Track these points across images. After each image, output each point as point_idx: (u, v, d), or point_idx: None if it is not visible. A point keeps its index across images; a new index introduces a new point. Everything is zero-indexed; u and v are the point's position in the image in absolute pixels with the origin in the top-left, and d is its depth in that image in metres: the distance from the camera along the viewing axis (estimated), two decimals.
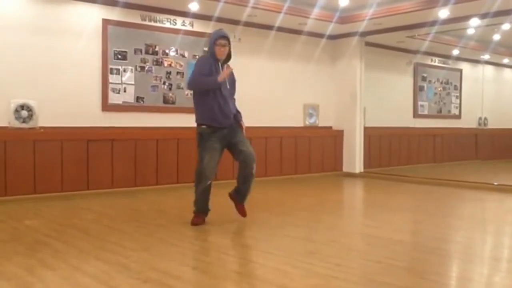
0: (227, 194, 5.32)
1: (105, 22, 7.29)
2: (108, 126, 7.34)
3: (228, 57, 5.14)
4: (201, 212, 5.12)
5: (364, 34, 9.48)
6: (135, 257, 3.87)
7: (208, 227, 5.00)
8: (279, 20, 8.36)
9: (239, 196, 5.22)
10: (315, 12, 8.34)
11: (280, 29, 8.80)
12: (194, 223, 5.03)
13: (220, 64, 5.08)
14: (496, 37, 10.36)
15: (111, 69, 7.38)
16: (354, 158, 9.80)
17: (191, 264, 3.69)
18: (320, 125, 9.86)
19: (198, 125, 5.12)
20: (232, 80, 5.21)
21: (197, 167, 5.06)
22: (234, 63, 8.53)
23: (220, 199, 7.02)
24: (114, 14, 7.37)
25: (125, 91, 7.51)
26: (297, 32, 9.08)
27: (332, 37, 9.75)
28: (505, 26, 9.04)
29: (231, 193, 5.29)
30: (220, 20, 8.20)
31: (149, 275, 3.43)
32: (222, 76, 4.92)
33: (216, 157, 5.00)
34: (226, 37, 5.01)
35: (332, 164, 9.85)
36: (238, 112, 5.30)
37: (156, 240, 4.47)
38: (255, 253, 4.26)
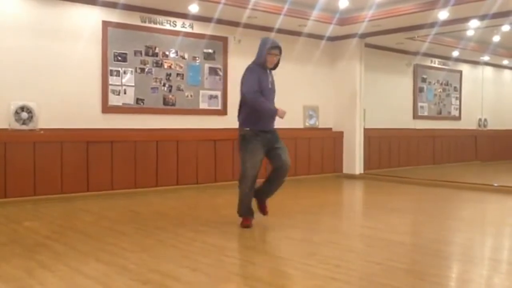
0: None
1: (105, 24, 7.30)
2: (108, 128, 7.34)
3: (276, 65, 5.21)
4: (248, 215, 5.10)
5: (363, 35, 9.49)
6: (135, 259, 3.87)
7: (208, 228, 5.00)
8: (278, 21, 8.37)
9: (264, 195, 5.21)
10: (315, 13, 8.34)
11: (280, 30, 8.80)
12: (244, 225, 5.03)
13: (268, 71, 5.15)
14: (496, 38, 10.37)
15: (111, 71, 7.38)
16: (354, 159, 9.80)
17: (190, 266, 3.69)
18: (320, 126, 9.86)
19: (241, 127, 5.10)
20: (273, 84, 5.23)
21: (240, 171, 5.04)
22: (234, 65, 8.58)
23: (219, 200, 7.03)
24: (114, 16, 7.37)
25: (125, 93, 7.52)
26: (297, 33, 9.09)
27: (332, 39, 9.76)
28: (505, 28, 9.04)
29: (255, 191, 5.18)
30: (220, 21, 8.21)
31: (148, 277, 3.43)
32: (281, 113, 4.98)
33: (258, 159, 5.00)
34: (279, 47, 5.11)
35: (332, 165, 9.85)
36: None
37: (155, 242, 4.47)
38: (255, 255, 4.26)
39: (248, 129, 5.02)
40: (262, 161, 5.05)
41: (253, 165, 4.96)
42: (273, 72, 5.24)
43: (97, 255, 3.99)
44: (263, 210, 5.24)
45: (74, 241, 4.46)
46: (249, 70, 5.12)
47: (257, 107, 4.97)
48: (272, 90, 5.17)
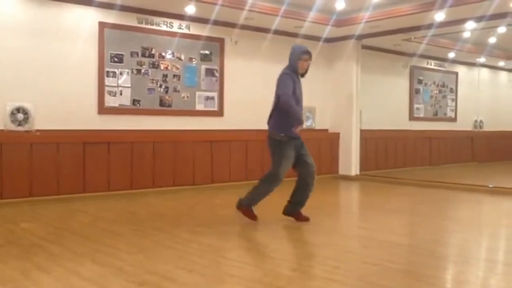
0: (283, 214, 5.43)
1: (102, 25, 7.29)
2: (104, 129, 7.32)
3: (306, 71, 5.37)
4: (251, 206, 5.30)
5: (360, 37, 9.50)
6: (131, 260, 3.87)
7: (204, 229, 5.00)
8: (275, 23, 8.36)
9: (299, 206, 5.39)
10: (312, 15, 8.35)
11: (277, 32, 8.81)
12: (254, 217, 5.27)
13: (299, 77, 5.31)
14: (492, 40, 10.40)
15: (108, 72, 7.37)
16: (350, 160, 9.81)
17: (187, 267, 3.69)
18: (316, 127, 9.87)
19: (275, 132, 5.25)
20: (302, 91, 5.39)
21: (273, 169, 5.24)
22: (230, 66, 8.58)
23: (216, 201, 7.03)
24: (111, 17, 7.36)
25: (121, 94, 7.51)
26: (294, 35, 9.08)
27: (329, 40, 9.77)
28: (501, 29, 9.06)
29: (288, 210, 5.41)
30: (216, 23, 8.20)
31: (144, 278, 3.42)
32: (300, 126, 5.15)
33: (291, 164, 5.27)
34: (310, 53, 5.30)
35: (328, 166, 9.85)
36: None
37: (152, 243, 4.46)
38: (252, 256, 4.26)
39: (283, 134, 5.20)
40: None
41: (286, 170, 5.23)
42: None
43: (93, 256, 3.98)
44: (304, 218, 5.38)
45: (71, 242, 4.45)
46: (285, 74, 5.25)
47: (288, 111, 5.12)
48: (302, 95, 5.35)
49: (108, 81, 7.38)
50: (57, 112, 6.93)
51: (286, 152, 5.19)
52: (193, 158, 8.08)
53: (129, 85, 7.58)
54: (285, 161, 5.19)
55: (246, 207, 5.29)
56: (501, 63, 13.02)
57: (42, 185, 6.70)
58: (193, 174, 8.08)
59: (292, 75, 5.22)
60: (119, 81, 7.48)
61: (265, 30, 8.77)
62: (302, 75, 5.36)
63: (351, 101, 9.73)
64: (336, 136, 9.95)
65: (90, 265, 3.74)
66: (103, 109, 7.34)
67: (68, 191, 6.89)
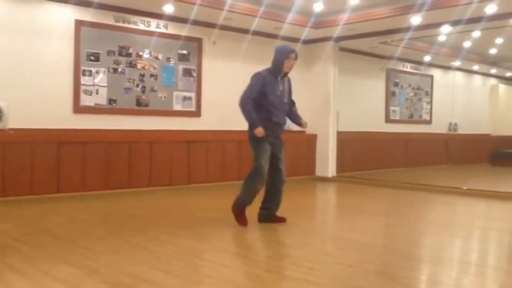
0: (258, 222, 5.38)
1: (78, 23, 7.20)
2: (80, 129, 7.24)
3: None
4: (245, 207, 5.26)
5: (338, 39, 9.57)
6: (106, 261, 3.83)
7: (181, 230, 4.97)
8: (254, 24, 8.38)
9: (272, 212, 5.38)
10: (290, 16, 8.38)
11: (256, 33, 8.82)
12: (244, 222, 5.19)
13: (280, 78, 5.27)
14: (467, 44, 10.56)
15: (83, 70, 7.29)
16: (327, 162, 9.87)
17: (163, 268, 3.66)
18: (293, 129, 9.87)
19: (253, 129, 5.22)
20: (288, 92, 5.40)
21: (255, 163, 5.22)
22: (208, 67, 8.56)
23: (193, 202, 7.00)
24: (87, 15, 7.28)
25: (97, 93, 7.43)
26: (273, 36, 9.10)
27: (307, 42, 9.81)
28: (476, 34, 9.21)
29: (263, 216, 5.39)
30: (195, 23, 8.18)
31: (119, 279, 3.39)
32: (258, 132, 5.11)
33: (268, 156, 5.24)
34: (297, 53, 5.33)
35: (305, 168, 9.89)
36: (297, 111, 5.58)
37: (127, 244, 4.42)
38: (228, 257, 4.25)
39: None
40: None
41: (266, 161, 5.19)
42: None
43: (67, 257, 3.93)
44: (280, 219, 5.38)
45: (45, 244, 4.39)
46: (255, 76, 5.27)
47: (243, 113, 5.17)
48: (284, 98, 5.31)
49: (84, 80, 7.30)
50: (32, 111, 6.83)
51: (263, 145, 5.18)
52: (170, 158, 8.03)
53: (106, 84, 7.50)
54: (263, 153, 5.18)
55: (238, 211, 5.24)
56: (476, 67, 13.24)
57: (16, 185, 6.60)
58: (170, 175, 8.04)
59: (267, 77, 5.20)
60: (95, 80, 7.41)
61: (244, 31, 8.78)
62: (285, 75, 5.33)
63: (328, 103, 9.79)
64: (313, 137, 10.00)
65: (64, 267, 3.69)
66: (78, 108, 7.26)
67: (42, 191, 6.79)
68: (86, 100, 7.33)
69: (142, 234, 4.78)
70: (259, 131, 5.10)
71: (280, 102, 5.27)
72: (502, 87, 14.59)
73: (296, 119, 5.54)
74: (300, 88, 9.88)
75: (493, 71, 13.82)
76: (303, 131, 9.97)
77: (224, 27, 8.53)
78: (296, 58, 5.30)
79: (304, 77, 9.93)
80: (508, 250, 4.67)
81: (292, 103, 5.52)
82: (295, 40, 9.53)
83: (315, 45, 9.87)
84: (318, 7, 8.01)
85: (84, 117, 7.31)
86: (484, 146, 13.73)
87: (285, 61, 5.22)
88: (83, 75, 7.29)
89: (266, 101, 5.18)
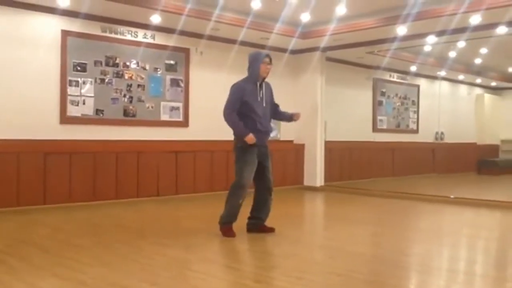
0: (247, 232, 5.38)
1: (65, 33, 7.17)
2: (66, 139, 7.19)
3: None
4: (232, 222, 5.20)
5: (325, 49, 9.63)
6: (93, 273, 3.79)
7: (169, 241, 4.94)
8: (242, 34, 8.40)
9: (261, 221, 5.37)
10: (278, 27, 8.42)
11: (243, 43, 8.84)
12: (232, 235, 5.12)
13: (259, 85, 5.25)
14: (452, 54, 10.68)
15: (70, 81, 7.25)
16: (315, 171, 9.88)
17: (151, 280, 3.63)
18: (281, 139, 9.91)
19: (239, 140, 5.23)
20: (268, 97, 5.36)
21: (236, 178, 5.21)
22: (196, 77, 8.55)
23: (181, 213, 6.96)
24: (74, 25, 7.25)
25: (84, 103, 7.39)
26: (260, 46, 9.12)
27: (294, 52, 9.86)
28: (461, 44, 9.31)
29: (251, 226, 5.39)
30: (182, 33, 8.18)
31: None
32: (249, 139, 5.09)
33: (254, 170, 5.21)
34: (270, 57, 5.30)
35: (293, 177, 9.90)
36: (284, 112, 5.57)
37: (115, 256, 4.38)
38: (216, 268, 4.23)
39: (245, 141, 5.15)
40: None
41: (250, 175, 5.16)
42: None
43: (54, 269, 3.88)
44: (268, 229, 5.36)
45: (31, 256, 4.33)
46: (233, 87, 5.27)
47: (230, 125, 5.20)
48: (265, 103, 5.28)
49: (71, 90, 7.26)
50: (18, 121, 6.77)
51: (247, 157, 5.15)
52: (157, 169, 8.00)
53: (92, 95, 7.47)
54: (247, 167, 5.15)
55: (226, 229, 5.18)
56: (461, 77, 13.38)
57: (1, 196, 6.53)
58: (158, 185, 8.00)
59: (242, 86, 5.21)
60: (82, 90, 7.37)
61: (231, 41, 8.79)
62: (263, 80, 5.30)
63: (316, 113, 9.82)
64: (301, 147, 10.02)
65: (51, 279, 3.65)
66: (65, 119, 7.21)
67: (28, 203, 6.73)
68: (73, 111, 7.28)
69: (130, 245, 4.74)
70: (250, 138, 5.08)
71: (262, 108, 5.26)
72: (487, 97, 14.75)
73: (286, 115, 5.54)
74: (287, 98, 9.94)
75: (478, 80, 13.96)
76: (291, 141, 10.01)
77: (211, 37, 8.54)
78: (270, 62, 5.28)
79: (291, 87, 9.97)
80: (496, 258, 4.70)
81: (276, 105, 5.52)
82: (283, 50, 9.57)
83: (302, 55, 9.91)
84: (305, 18, 8.05)
85: (71, 128, 7.26)
86: (470, 155, 13.84)
87: (261, 66, 5.21)
88: (70, 85, 7.25)
89: (248, 110, 5.17)
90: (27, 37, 6.89)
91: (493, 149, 14.53)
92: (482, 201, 7.89)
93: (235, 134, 5.26)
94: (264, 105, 5.27)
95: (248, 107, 5.17)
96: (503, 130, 14.46)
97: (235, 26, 8.03)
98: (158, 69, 8.16)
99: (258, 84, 5.25)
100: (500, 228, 6.46)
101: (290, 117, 5.54)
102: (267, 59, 5.24)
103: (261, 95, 5.25)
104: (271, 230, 5.36)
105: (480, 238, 5.58)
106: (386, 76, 12.04)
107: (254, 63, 5.24)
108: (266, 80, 5.38)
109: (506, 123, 14.05)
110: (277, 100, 5.58)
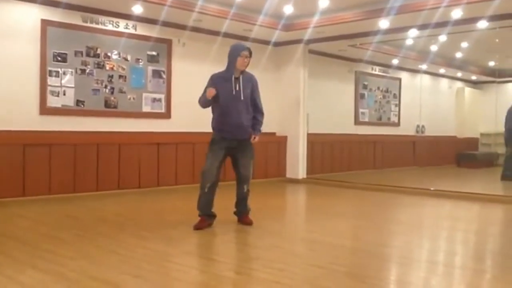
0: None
1: (44, 23, 7.06)
2: (46, 130, 7.10)
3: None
4: (204, 215, 5.20)
5: (307, 42, 9.63)
6: (73, 266, 3.75)
7: (150, 234, 4.92)
8: (225, 26, 8.36)
9: (240, 211, 5.45)
10: (261, 19, 8.39)
11: (226, 34, 8.80)
12: (197, 227, 5.10)
13: (235, 78, 5.20)
14: (434, 47, 10.76)
15: (50, 71, 7.15)
16: (298, 164, 9.91)
17: (132, 273, 3.61)
18: (264, 131, 9.86)
19: (212, 132, 5.33)
20: (247, 91, 5.28)
21: (202, 168, 5.24)
22: (178, 68, 8.50)
23: (162, 205, 6.94)
24: (54, 15, 7.15)
25: (64, 94, 7.30)
26: (243, 38, 9.09)
27: (277, 44, 9.84)
28: (442, 37, 9.39)
29: (236, 215, 5.49)
30: (164, 24, 8.12)
31: (87, 284, 3.33)
32: (210, 92, 5.07)
33: (217, 161, 5.19)
34: (250, 51, 5.25)
35: (275, 170, 9.92)
36: (258, 121, 5.52)
37: (95, 248, 4.34)
38: (198, 260, 4.22)
39: (216, 133, 5.26)
40: (221, 164, 5.23)
41: (211, 164, 5.13)
42: None
43: (33, 262, 3.84)
44: (245, 222, 5.38)
45: (9, 249, 4.28)
46: (209, 79, 5.31)
47: (201, 105, 5.30)
48: (242, 97, 5.21)
49: (51, 80, 7.16)
50: None
51: (213, 147, 5.21)
52: (138, 160, 7.95)
53: (73, 85, 7.38)
54: (209, 157, 5.18)
55: (200, 218, 5.21)
56: (442, 70, 13.50)
57: None
58: (139, 177, 7.95)
59: (217, 78, 5.23)
60: (63, 81, 7.28)
61: (214, 33, 8.75)
62: (241, 73, 5.24)
63: (298, 105, 9.83)
64: (284, 139, 10.03)
65: (31, 272, 3.60)
66: (45, 110, 7.11)
67: (7, 195, 6.64)
68: (53, 101, 7.19)
69: (111, 238, 4.71)
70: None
71: (236, 101, 5.18)
72: (467, 90, 14.91)
73: (252, 128, 5.40)
74: (270, 91, 9.96)
75: (459, 74, 14.10)
76: (274, 133, 10.02)
77: (194, 29, 8.49)
78: (250, 55, 5.22)
79: (274, 80, 9.96)
80: (475, 250, 4.76)
81: (258, 110, 5.46)
82: (265, 42, 9.55)
83: (285, 48, 9.90)
84: (288, 10, 8.04)
85: (50, 119, 7.17)
86: (450, 148, 14.00)
87: (238, 59, 5.17)
88: (50, 75, 7.15)
89: (218, 102, 5.16)
90: (6, 26, 6.77)
91: (473, 142, 14.71)
92: (462, 193, 7.99)
93: (203, 105, 5.27)
94: (242, 98, 5.20)
95: (218, 99, 5.14)
96: (482, 124, 14.64)
97: (218, 18, 7.98)
98: (140, 60, 8.09)
99: (233, 77, 5.19)
100: (479, 220, 6.55)
101: (251, 132, 5.40)
102: (245, 52, 5.18)
103: (237, 88, 5.18)
104: (248, 223, 5.36)
105: (459, 230, 5.66)
106: (368, 69, 12.09)
107: (232, 56, 5.22)
108: (253, 73, 5.36)
109: (486, 117, 14.21)
110: (260, 92, 5.54)
